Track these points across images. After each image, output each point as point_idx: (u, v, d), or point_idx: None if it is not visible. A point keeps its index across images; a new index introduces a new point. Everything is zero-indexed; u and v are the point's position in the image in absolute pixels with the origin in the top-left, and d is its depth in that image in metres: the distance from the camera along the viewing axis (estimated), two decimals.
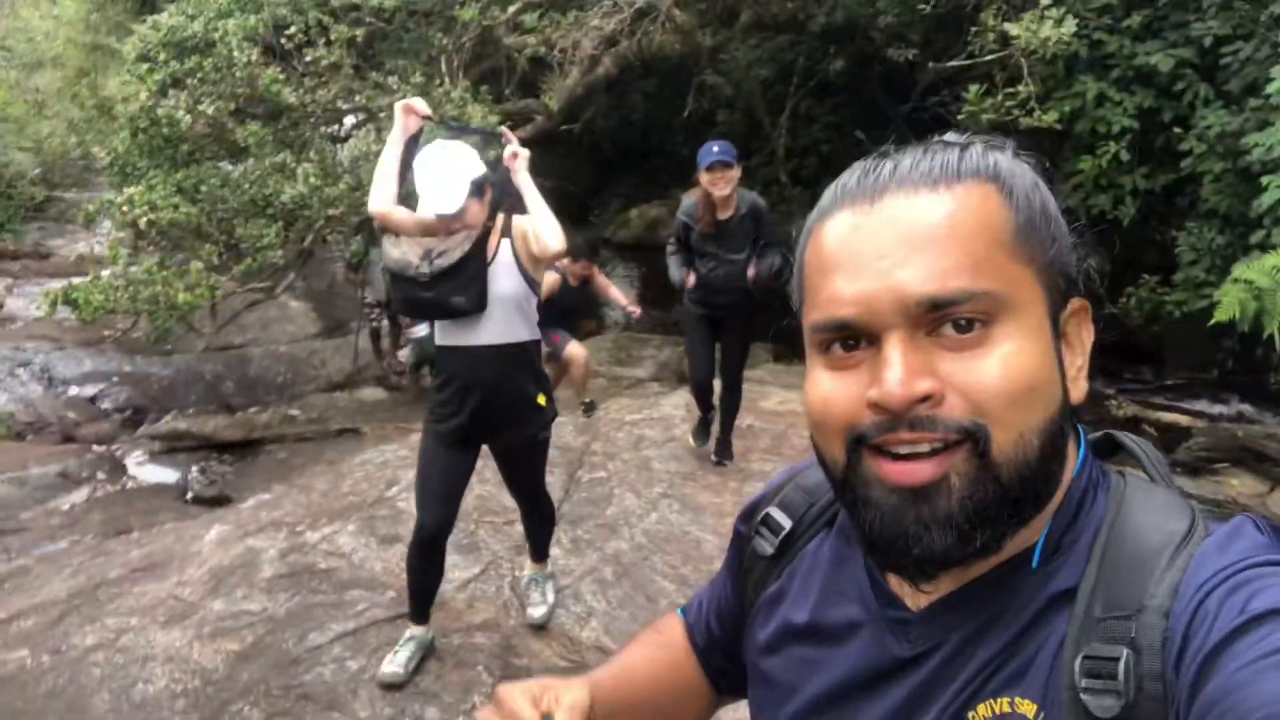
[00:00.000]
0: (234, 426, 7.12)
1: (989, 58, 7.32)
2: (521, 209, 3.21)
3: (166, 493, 6.21)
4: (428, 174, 3.01)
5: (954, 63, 7.78)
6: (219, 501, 5.94)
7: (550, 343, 6.66)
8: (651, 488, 5.12)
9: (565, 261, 6.30)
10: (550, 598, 3.78)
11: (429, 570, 3.37)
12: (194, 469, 6.58)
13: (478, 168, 3.06)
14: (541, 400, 3.30)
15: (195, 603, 3.86)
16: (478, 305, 3.11)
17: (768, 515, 0.93)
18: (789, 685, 0.84)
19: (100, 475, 6.24)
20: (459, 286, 3.08)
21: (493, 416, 3.21)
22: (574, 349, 6.56)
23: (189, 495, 6.16)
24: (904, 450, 0.67)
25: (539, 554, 3.79)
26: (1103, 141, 7.15)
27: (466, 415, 3.19)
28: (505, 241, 3.17)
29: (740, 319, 5.03)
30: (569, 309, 6.60)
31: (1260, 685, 0.53)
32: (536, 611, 3.71)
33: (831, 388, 0.70)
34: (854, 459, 0.69)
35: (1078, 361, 0.73)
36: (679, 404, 6.24)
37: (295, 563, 4.18)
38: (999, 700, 0.67)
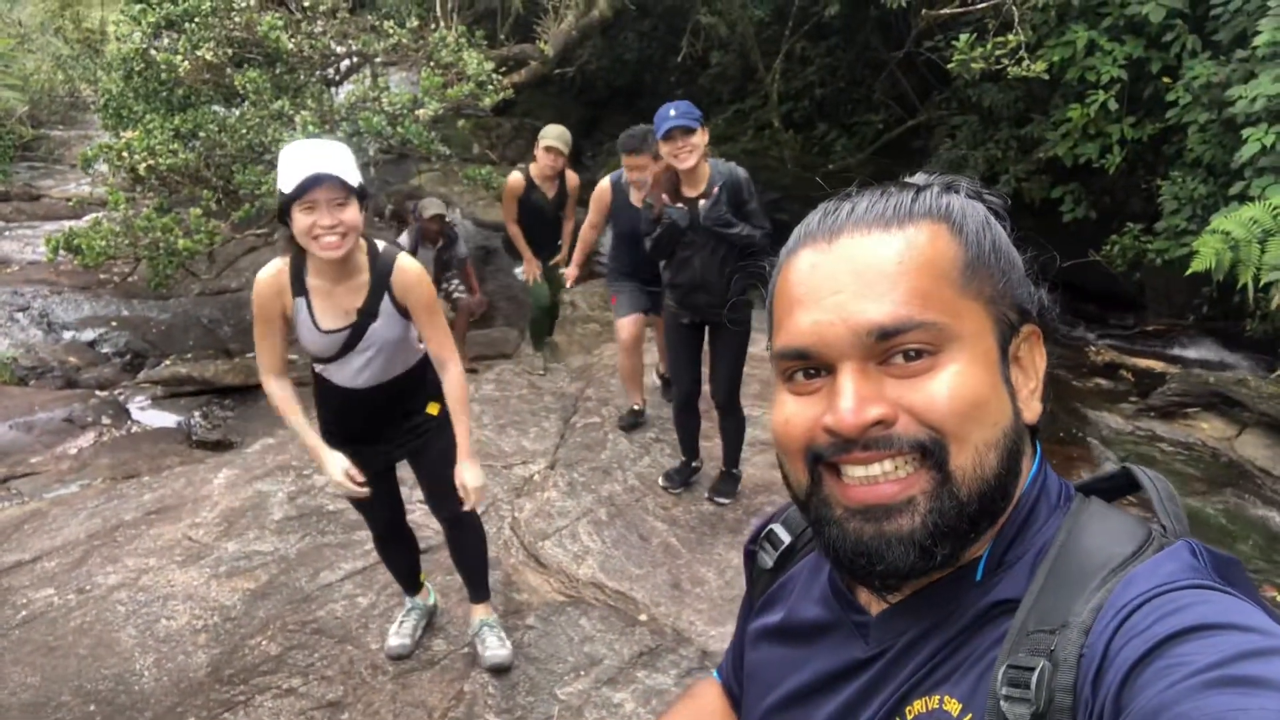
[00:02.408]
0: (234, 371, 7.19)
1: (982, 4, 7.36)
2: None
3: (170, 436, 6.31)
4: (303, 154, 2.43)
5: (947, 10, 7.79)
6: (222, 445, 6.08)
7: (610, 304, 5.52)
8: (644, 432, 5.28)
9: (644, 162, 4.62)
10: (507, 640, 3.28)
11: (397, 556, 3.30)
12: (196, 413, 6.68)
13: (357, 174, 2.52)
14: (433, 409, 2.94)
15: (209, 544, 4.02)
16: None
17: (771, 531, 0.99)
18: (768, 681, 0.89)
19: (105, 420, 6.33)
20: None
21: (381, 436, 2.93)
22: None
23: (193, 439, 6.28)
24: (858, 472, 0.71)
25: (479, 592, 3.29)
26: (1092, 90, 7.20)
27: (354, 440, 2.88)
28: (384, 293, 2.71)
29: (732, 323, 4.06)
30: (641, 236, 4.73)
31: (1193, 705, 0.53)
32: (501, 652, 3.22)
33: (793, 410, 0.75)
34: (815, 477, 0.74)
35: (1030, 384, 0.76)
36: None
37: (303, 505, 4.35)
38: (931, 697, 0.71)
